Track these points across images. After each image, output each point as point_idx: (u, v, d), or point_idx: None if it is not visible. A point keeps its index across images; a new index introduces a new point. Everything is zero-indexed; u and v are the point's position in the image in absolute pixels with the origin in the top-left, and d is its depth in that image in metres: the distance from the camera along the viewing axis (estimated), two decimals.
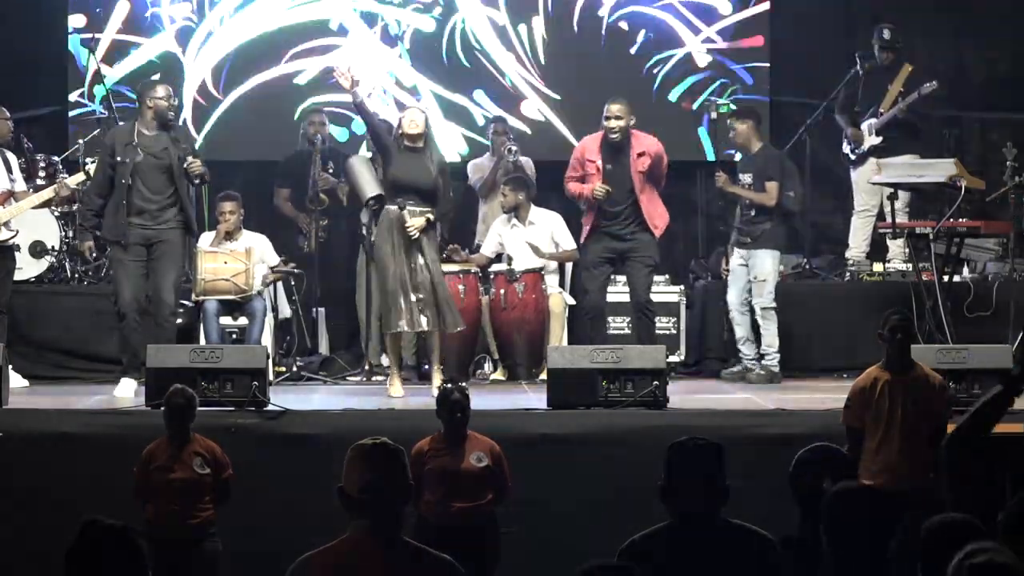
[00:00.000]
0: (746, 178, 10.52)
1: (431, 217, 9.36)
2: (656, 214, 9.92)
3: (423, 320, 9.28)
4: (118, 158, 9.40)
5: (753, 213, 10.49)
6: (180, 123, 10.95)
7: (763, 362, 10.42)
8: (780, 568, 4.32)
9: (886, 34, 11.57)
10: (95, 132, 11.28)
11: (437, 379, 9.25)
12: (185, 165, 9.39)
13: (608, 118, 9.83)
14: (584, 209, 10.11)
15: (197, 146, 10.27)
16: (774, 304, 10.45)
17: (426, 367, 10.11)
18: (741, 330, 10.54)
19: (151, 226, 9.39)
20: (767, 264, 10.49)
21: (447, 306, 9.37)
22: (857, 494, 4.20)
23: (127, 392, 9.24)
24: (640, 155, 9.80)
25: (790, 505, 7.13)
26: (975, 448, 4.66)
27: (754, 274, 10.50)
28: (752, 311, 10.47)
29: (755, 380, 10.31)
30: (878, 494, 4.20)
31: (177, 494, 6.96)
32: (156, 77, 11.18)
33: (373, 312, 10.64)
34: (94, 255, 10.29)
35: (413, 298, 9.24)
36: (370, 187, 9.96)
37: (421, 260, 9.30)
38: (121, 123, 10.15)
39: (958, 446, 4.62)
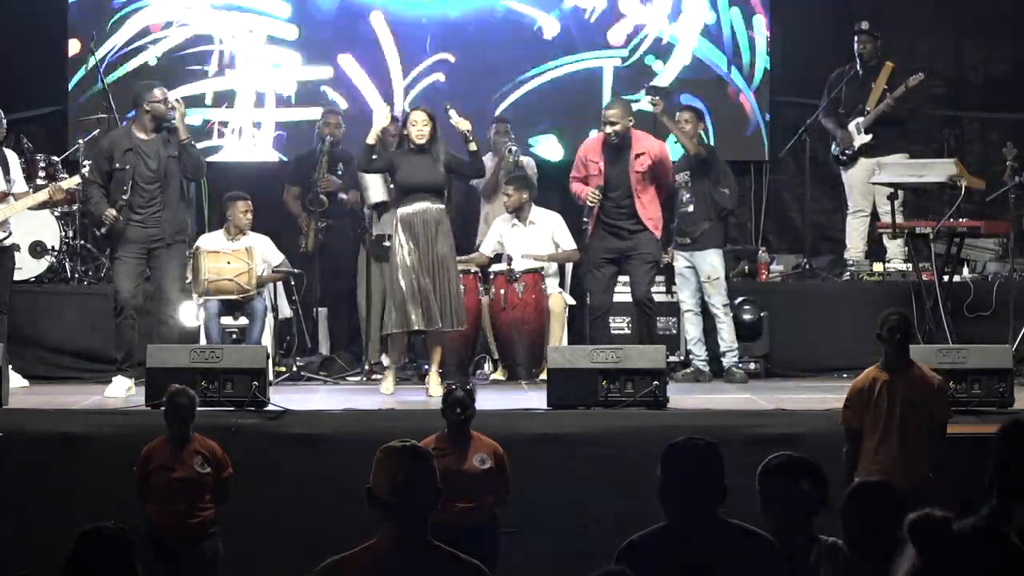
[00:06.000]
0: (683, 176, 10.55)
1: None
2: (652, 215, 9.95)
3: (437, 319, 9.28)
4: (116, 164, 9.43)
5: (691, 209, 10.55)
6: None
7: (727, 360, 10.51)
8: (779, 568, 4.31)
9: (864, 24, 11.66)
10: (95, 132, 11.28)
11: (435, 381, 9.25)
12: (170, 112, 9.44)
13: (605, 123, 9.94)
14: (587, 209, 10.14)
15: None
16: (728, 301, 10.59)
17: (426, 367, 10.09)
18: (695, 330, 10.63)
19: (152, 225, 9.41)
20: (716, 263, 10.64)
21: (458, 304, 9.39)
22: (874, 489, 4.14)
23: (119, 391, 9.26)
24: (639, 156, 9.86)
25: None
26: None
27: (706, 274, 10.59)
28: (704, 312, 10.58)
29: (739, 380, 10.37)
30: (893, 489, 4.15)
31: (177, 493, 6.97)
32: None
33: (373, 311, 10.65)
34: (118, 218, 9.54)
35: (430, 297, 9.25)
36: (376, 192, 10.03)
37: (438, 257, 9.30)
38: (118, 128, 10.12)
39: None
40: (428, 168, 9.37)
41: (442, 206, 9.42)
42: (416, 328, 9.37)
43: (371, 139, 9.44)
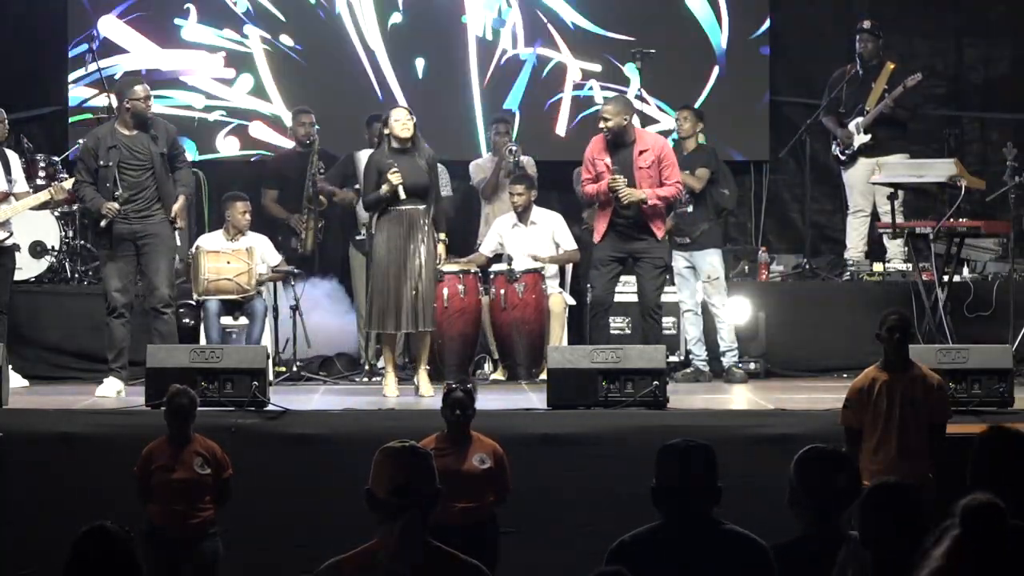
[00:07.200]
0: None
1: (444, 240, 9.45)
2: (655, 215, 9.79)
3: (411, 321, 9.27)
4: (100, 161, 9.39)
5: (690, 209, 10.56)
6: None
7: (727, 360, 10.49)
8: (770, 573, 4.28)
9: (867, 24, 11.66)
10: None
11: (424, 380, 9.27)
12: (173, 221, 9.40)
13: (599, 119, 9.80)
14: (589, 214, 10.04)
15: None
16: (728, 301, 10.59)
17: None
18: (695, 331, 10.62)
19: (136, 221, 9.37)
20: (715, 262, 10.63)
21: (427, 305, 9.33)
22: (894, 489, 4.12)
23: (110, 391, 9.23)
24: (642, 152, 9.72)
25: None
26: None
27: (706, 274, 10.58)
28: (704, 312, 10.57)
29: (739, 380, 10.36)
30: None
31: (178, 494, 6.96)
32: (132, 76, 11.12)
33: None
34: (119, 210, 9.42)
35: (406, 299, 9.24)
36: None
37: (418, 261, 9.29)
38: (102, 125, 10.07)
39: None
40: (411, 169, 9.32)
41: (423, 206, 9.35)
42: (389, 331, 9.36)
43: (383, 193, 9.33)
